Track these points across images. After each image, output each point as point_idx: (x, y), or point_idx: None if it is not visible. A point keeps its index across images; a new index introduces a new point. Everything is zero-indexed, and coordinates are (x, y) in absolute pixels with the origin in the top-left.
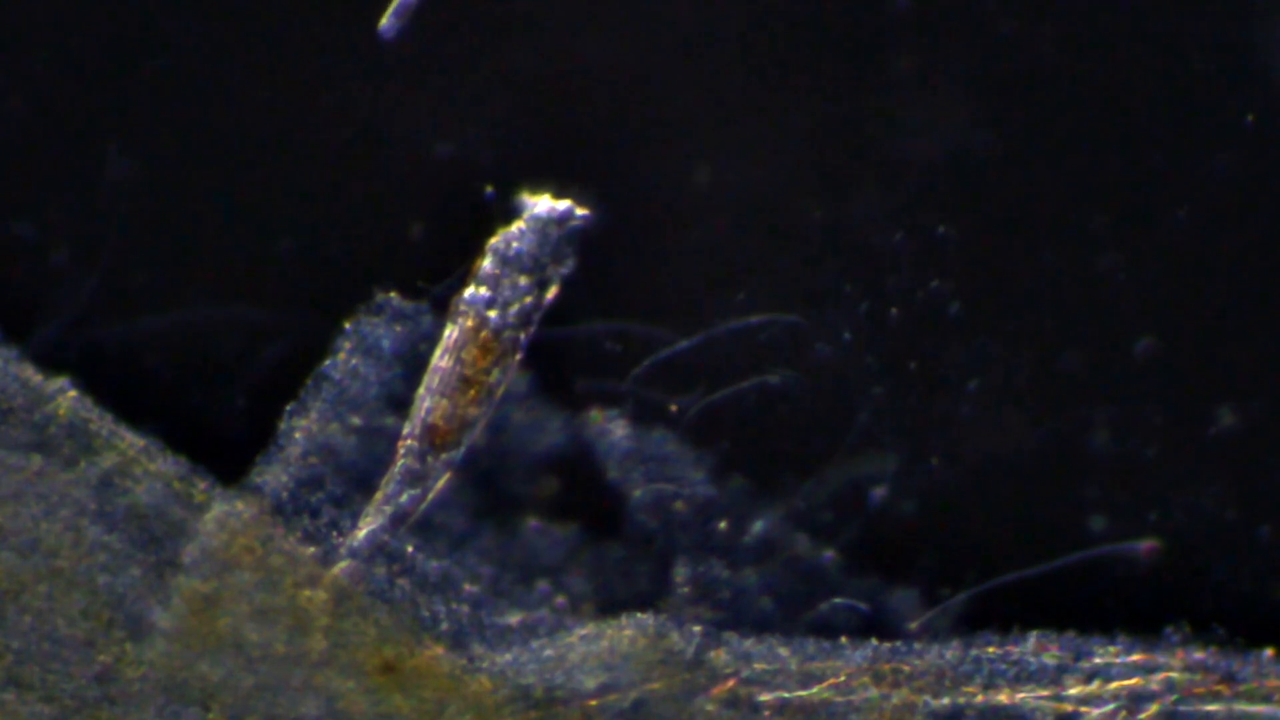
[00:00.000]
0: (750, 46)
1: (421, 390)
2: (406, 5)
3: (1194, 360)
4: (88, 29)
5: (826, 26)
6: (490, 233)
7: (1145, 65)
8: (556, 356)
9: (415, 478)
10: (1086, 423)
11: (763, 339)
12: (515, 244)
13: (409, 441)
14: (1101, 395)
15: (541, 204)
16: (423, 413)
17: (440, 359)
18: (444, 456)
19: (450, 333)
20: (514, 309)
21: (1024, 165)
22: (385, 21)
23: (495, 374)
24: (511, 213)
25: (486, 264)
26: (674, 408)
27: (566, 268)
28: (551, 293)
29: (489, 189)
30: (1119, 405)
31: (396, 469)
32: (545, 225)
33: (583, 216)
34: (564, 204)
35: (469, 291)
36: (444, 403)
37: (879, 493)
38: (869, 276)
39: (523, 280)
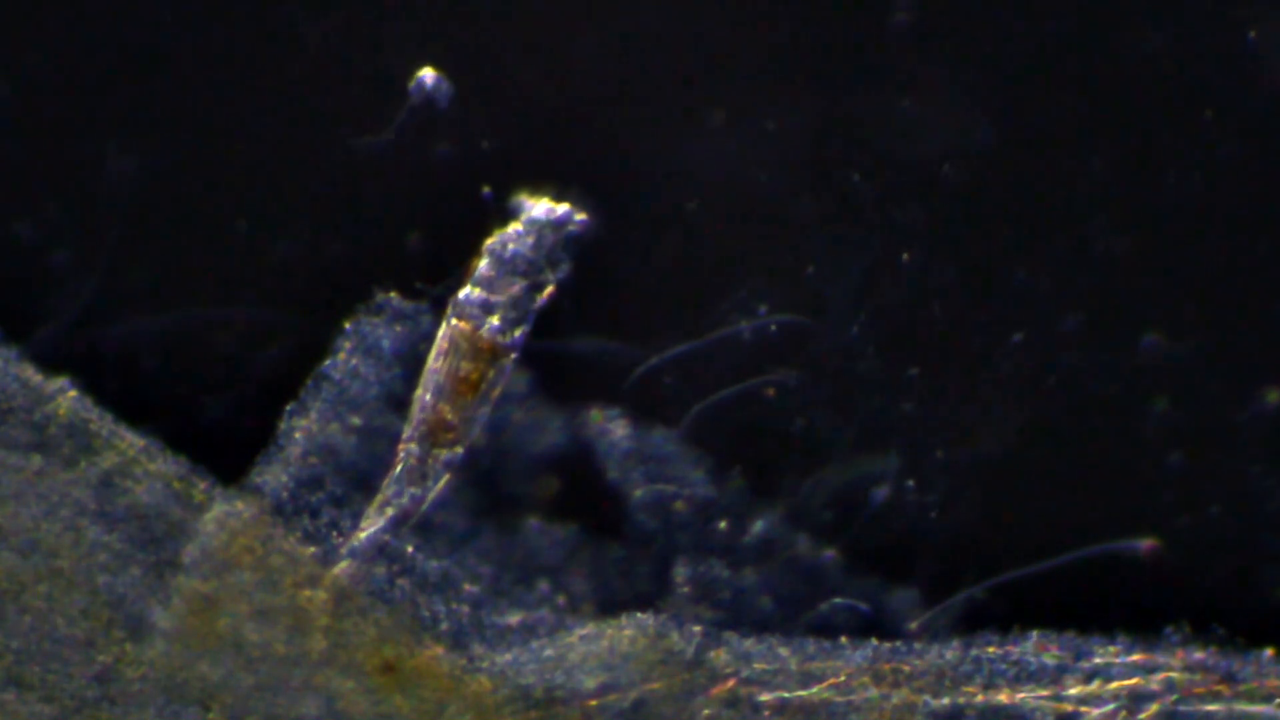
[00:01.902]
0: (749, 47)
1: (419, 391)
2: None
3: (1195, 359)
4: (87, 29)
5: (826, 27)
6: (489, 233)
7: (1145, 63)
8: (556, 357)
9: (415, 478)
10: (1088, 421)
11: (764, 339)
12: (511, 245)
13: (410, 444)
14: (1103, 393)
15: (539, 206)
16: (420, 413)
17: (435, 360)
18: (444, 457)
19: (444, 333)
20: (508, 310)
21: (1024, 164)
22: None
23: (490, 374)
24: (509, 214)
25: (482, 265)
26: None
27: (562, 271)
28: (546, 294)
29: (486, 189)
30: (1120, 404)
31: (396, 470)
32: (542, 228)
33: (581, 221)
34: (563, 207)
35: (463, 292)
36: (440, 403)
37: (880, 492)
38: (870, 276)
39: (518, 282)
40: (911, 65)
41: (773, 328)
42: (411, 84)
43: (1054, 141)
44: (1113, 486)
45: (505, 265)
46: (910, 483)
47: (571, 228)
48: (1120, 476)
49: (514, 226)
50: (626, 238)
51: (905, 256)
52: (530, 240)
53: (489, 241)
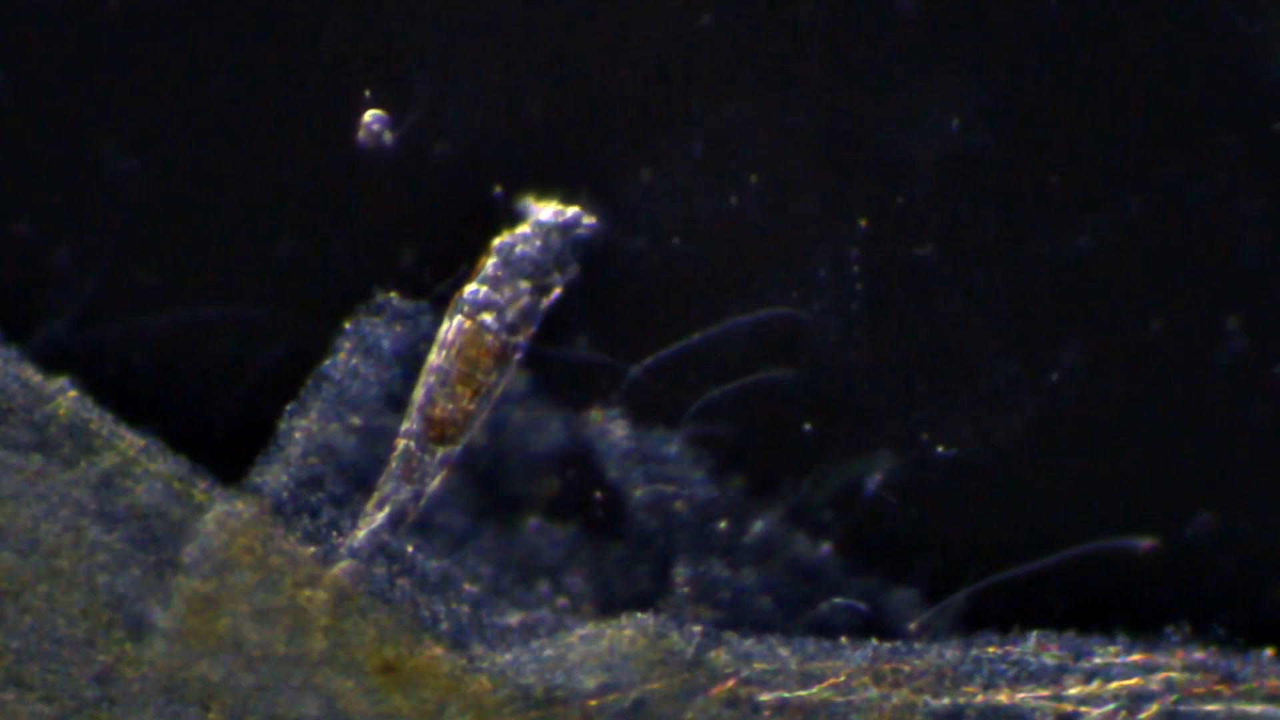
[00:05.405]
0: (751, 48)
1: (419, 387)
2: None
3: (1195, 358)
4: (88, 28)
5: (830, 29)
6: (494, 233)
7: (1145, 63)
8: (557, 359)
9: (411, 474)
10: (1087, 420)
11: (762, 336)
12: (520, 246)
13: (406, 441)
14: (1103, 392)
15: (547, 210)
16: (418, 409)
17: (436, 356)
18: (440, 453)
19: (446, 330)
20: (513, 311)
21: (1024, 163)
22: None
23: (493, 374)
24: (517, 216)
25: (489, 264)
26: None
27: (570, 274)
28: (552, 297)
29: (498, 189)
30: (1120, 403)
31: (393, 467)
32: (550, 231)
33: (590, 225)
34: (571, 210)
35: (469, 289)
36: (439, 400)
37: (876, 480)
38: (869, 274)
39: (524, 283)
40: (913, 65)
41: (784, 331)
42: (361, 131)
43: (1055, 139)
44: (1113, 486)
45: (512, 266)
46: (909, 482)
47: (580, 231)
48: (1121, 476)
49: (522, 228)
50: (628, 233)
51: (905, 253)
52: (538, 243)
53: (498, 240)
